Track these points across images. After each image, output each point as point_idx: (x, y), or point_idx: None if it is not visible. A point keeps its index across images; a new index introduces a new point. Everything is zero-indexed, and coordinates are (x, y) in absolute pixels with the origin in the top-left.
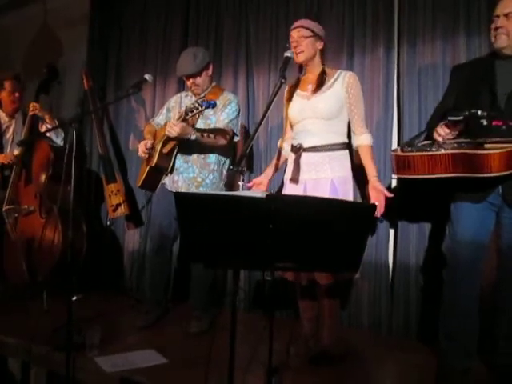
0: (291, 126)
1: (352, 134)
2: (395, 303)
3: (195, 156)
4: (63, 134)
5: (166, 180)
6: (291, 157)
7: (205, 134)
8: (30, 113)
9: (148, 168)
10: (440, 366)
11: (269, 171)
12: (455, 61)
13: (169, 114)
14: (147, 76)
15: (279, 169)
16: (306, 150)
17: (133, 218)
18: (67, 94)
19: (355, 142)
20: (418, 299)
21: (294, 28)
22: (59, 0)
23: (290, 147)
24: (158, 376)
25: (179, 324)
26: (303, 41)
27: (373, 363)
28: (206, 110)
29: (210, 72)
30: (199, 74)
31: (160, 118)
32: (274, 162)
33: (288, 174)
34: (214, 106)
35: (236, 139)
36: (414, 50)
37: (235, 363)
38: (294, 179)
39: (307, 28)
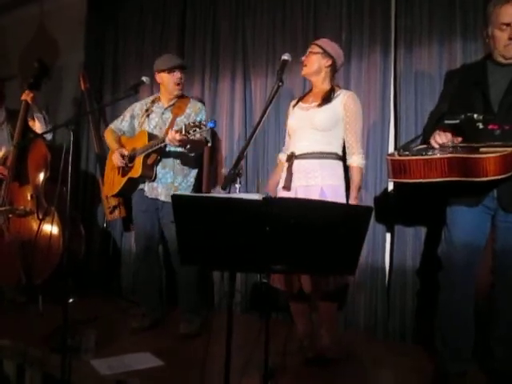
0: (290, 137)
1: (346, 152)
2: (391, 306)
3: (171, 162)
4: (51, 126)
5: (145, 187)
6: (285, 165)
7: (194, 148)
8: (23, 97)
9: (127, 178)
10: (436, 370)
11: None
12: (451, 65)
13: (133, 121)
14: (144, 78)
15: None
16: (297, 157)
17: (130, 220)
18: (64, 96)
19: (347, 161)
20: (414, 302)
21: (311, 44)
22: (56, 1)
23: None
24: (154, 378)
25: (174, 327)
26: (310, 56)
27: (369, 366)
28: (179, 119)
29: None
30: (185, 70)
31: (122, 125)
32: (276, 173)
33: (282, 183)
34: (215, 125)
35: (208, 145)
36: (410, 54)
37: (231, 365)
38: (287, 187)
39: (317, 45)
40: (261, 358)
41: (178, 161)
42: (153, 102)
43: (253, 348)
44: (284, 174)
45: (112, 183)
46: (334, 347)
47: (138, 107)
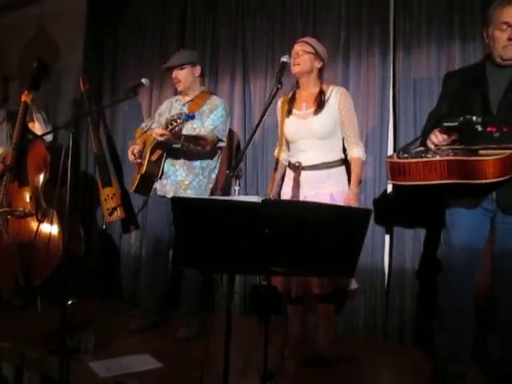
0: (287, 143)
1: (346, 147)
2: (390, 308)
3: (181, 160)
4: (51, 126)
5: (157, 185)
6: (290, 173)
7: (190, 144)
8: (23, 99)
9: (139, 175)
10: (435, 370)
11: (274, 185)
12: (450, 67)
13: (160, 119)
14: (144, 80)
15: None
16: (304, 168)
17: (129, 221)
18: (63, 97)
19: (348, 155)
20: (413, 304)
21: (298, 42)
22: (56, 2)
23: (286, 156)
24: (153, 381)
25: (174, 328)
26: (303, 55)
27: (368, 368)
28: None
29: (196, 73)
30: (180, 67)
31: (152, 122)
32: (276, 175)
33: (286, 189)
34: (192, 118)
35: (221, 144)
36: (409, 57)
37: (230, 368)
38: (295, 197)
39: (310, 44)
40: (260, 360)
41: (188, 158)
42: (176, 99)
43: (252, 350)
44: (289, 182)
45: (134, 181)
46: (330, 348)
47: (164, 105)
